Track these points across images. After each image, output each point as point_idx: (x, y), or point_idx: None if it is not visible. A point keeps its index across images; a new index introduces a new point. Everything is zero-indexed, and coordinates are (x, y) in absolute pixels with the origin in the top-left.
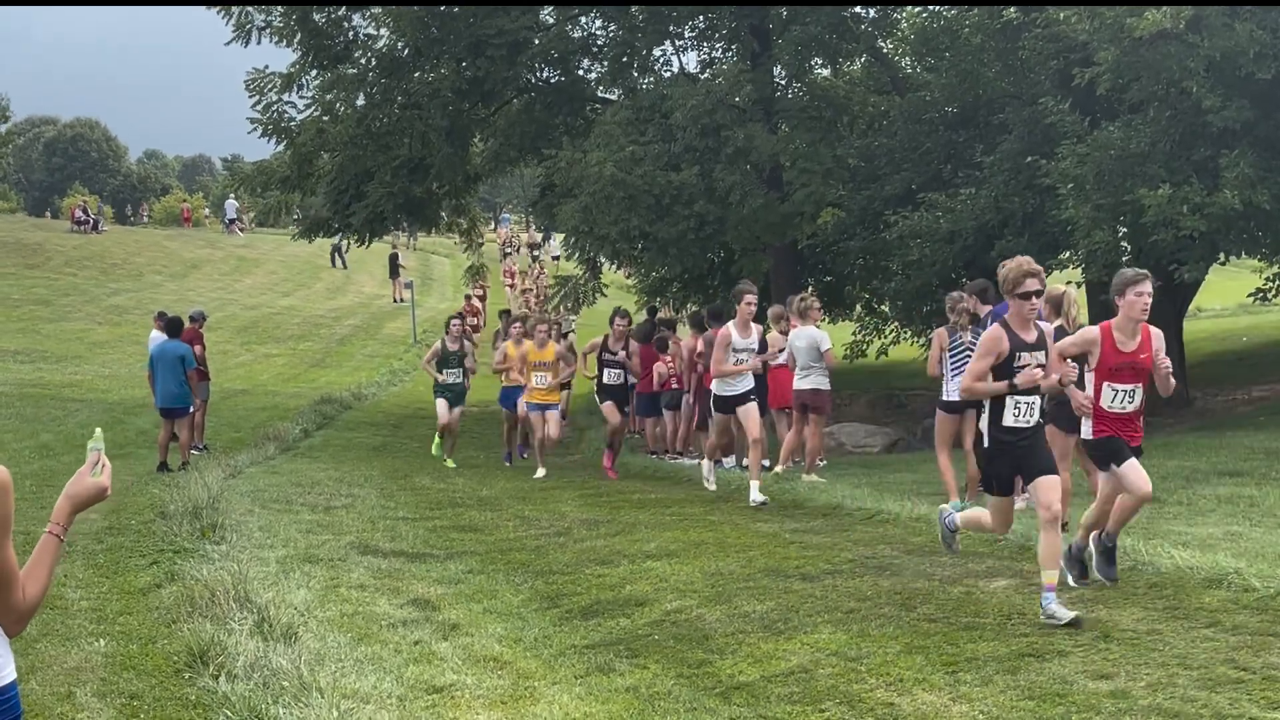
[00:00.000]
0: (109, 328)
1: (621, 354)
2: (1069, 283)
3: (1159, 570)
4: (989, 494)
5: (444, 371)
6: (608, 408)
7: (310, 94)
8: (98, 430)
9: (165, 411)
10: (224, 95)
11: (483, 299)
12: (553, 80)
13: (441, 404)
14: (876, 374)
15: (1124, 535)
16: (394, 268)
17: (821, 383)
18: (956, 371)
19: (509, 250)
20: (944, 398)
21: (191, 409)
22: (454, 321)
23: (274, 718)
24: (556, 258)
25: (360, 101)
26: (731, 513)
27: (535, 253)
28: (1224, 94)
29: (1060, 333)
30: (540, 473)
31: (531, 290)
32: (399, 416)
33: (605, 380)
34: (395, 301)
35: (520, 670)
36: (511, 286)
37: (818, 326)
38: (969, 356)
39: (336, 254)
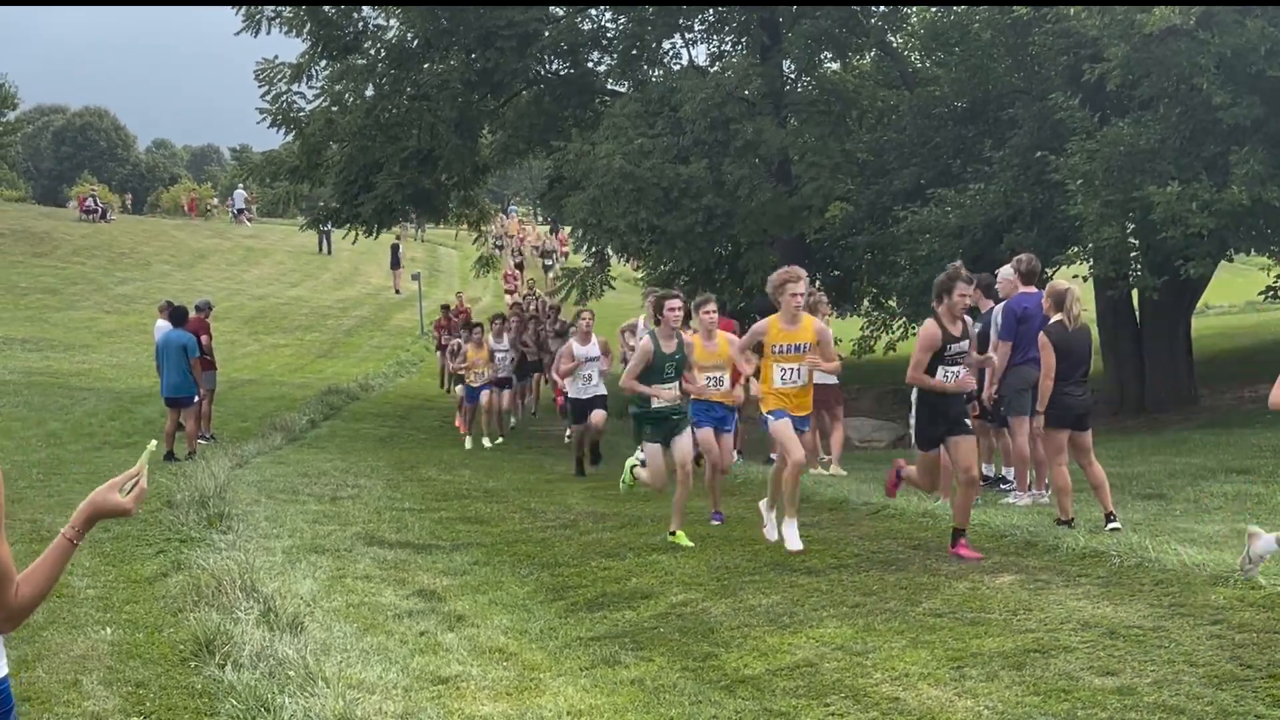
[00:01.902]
0: (117, 316)
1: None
2: (1075, 277)
3: (1165, 567)
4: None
5: (656, 385)
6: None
7: (319, 85)
8: (152, 443)
9: (170, 401)
10: (233, 85)
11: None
12: (562, 72)
13: (654, 450)
14: (884, 369)
15: (1130, 532)
16: (395, 258)
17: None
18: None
19: (519, 254)
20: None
21: (196, 398)
22: (671, 305)
23: (280, 707)
24: (550, 267)
25: (369, 92)
26: (737, 507)
27: (547, 262)
28: (1234, 91)
29: (1059, 329)
30: (794, 544)
31: (532, 296)
32: (406, 408)
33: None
34: (396, 292)
35: (526, 662)
36: (511, 292)
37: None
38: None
39: (325, 239)
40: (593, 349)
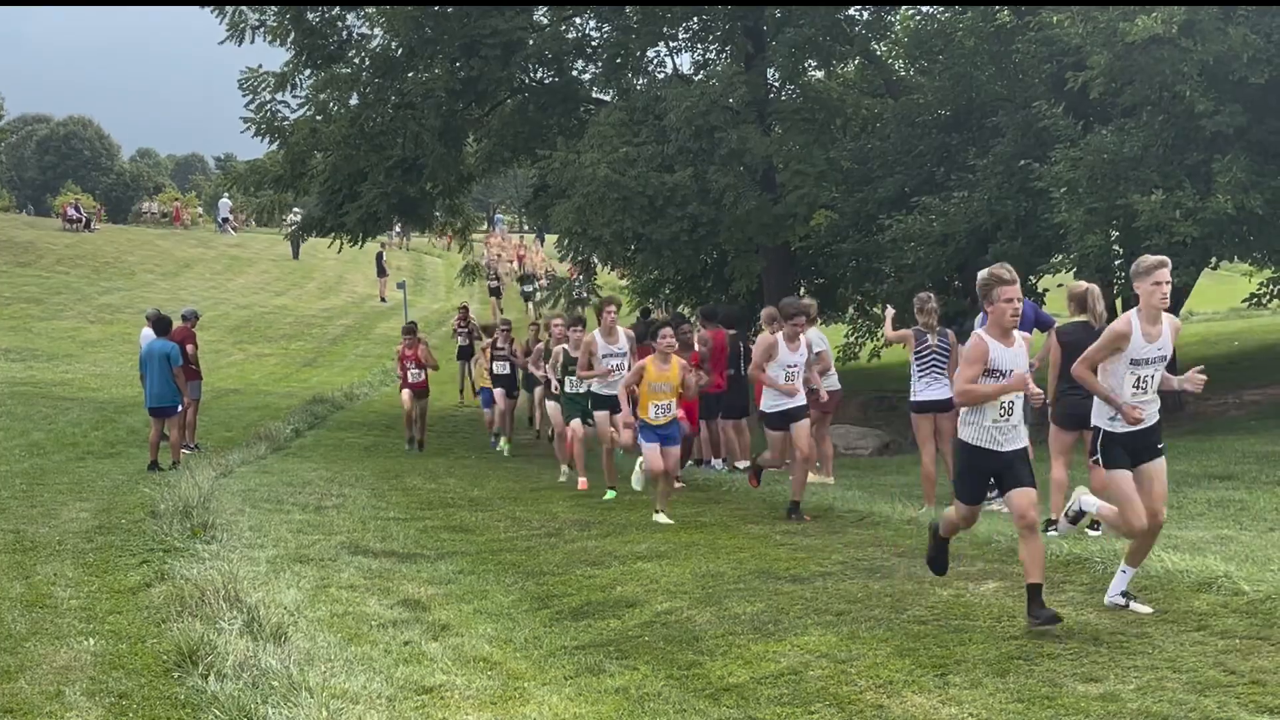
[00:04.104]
0: (101, 326)
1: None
2: (1060, 285)
3: (1149, 573)
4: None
5: None
6: None
7: (304, 93)
8: None
9: (154, 411)
10: (218, 94)
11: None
12: (546, 81)
13: None
14: (869, 376)
15: (1114, 539)
16: (380, 266)
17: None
18: (924, 372)
19: (495, 277)
20: (912, 398)
21: (179, 408)
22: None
23: (263, 717)
24: (529, 294)
25: (354, 101)
26: (722, 514)
27: (526, 288)
28: (1217, 98)
29: (1085, 329)
30: None
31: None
32: (391, 417)
33: None
34: (381, 300)
35: (510, 671)
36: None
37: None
38: (935, 358)
39: (295, 246)
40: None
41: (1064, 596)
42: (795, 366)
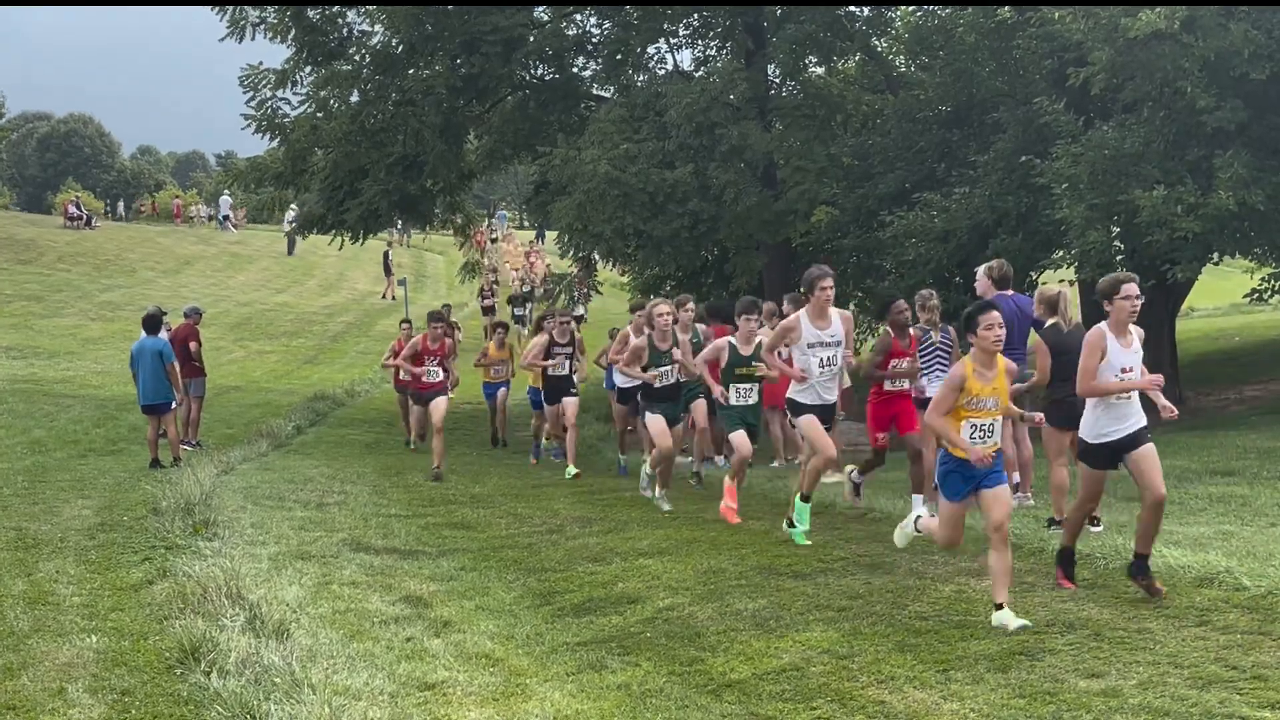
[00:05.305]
0: (102, 324)
1: None
2: (1061, 281)
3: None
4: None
5: None
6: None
7: (304, 91)
8: None
9: (148, 408)
10: (218, 91)
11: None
12: (547, 77)
13: None
14: None
15: (1115, 534)
16: (386, 265)
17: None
18: (925, 370)
19: (490, 292)
20: (913, 395)
21: (174, 404)
22: None
23: (265, 714)
24: (521, 317)
25: (354, 98)
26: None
27: (518, 311)
28: (1218, 94)
29: (1056, 331)
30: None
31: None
32: (392, 414)
33: None
34: (385, 298)
35: (512, 667)
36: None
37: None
38: (939, 356)
39: (291, 242)
40: None
41: (1064, 592)
42: (1131, 370)
